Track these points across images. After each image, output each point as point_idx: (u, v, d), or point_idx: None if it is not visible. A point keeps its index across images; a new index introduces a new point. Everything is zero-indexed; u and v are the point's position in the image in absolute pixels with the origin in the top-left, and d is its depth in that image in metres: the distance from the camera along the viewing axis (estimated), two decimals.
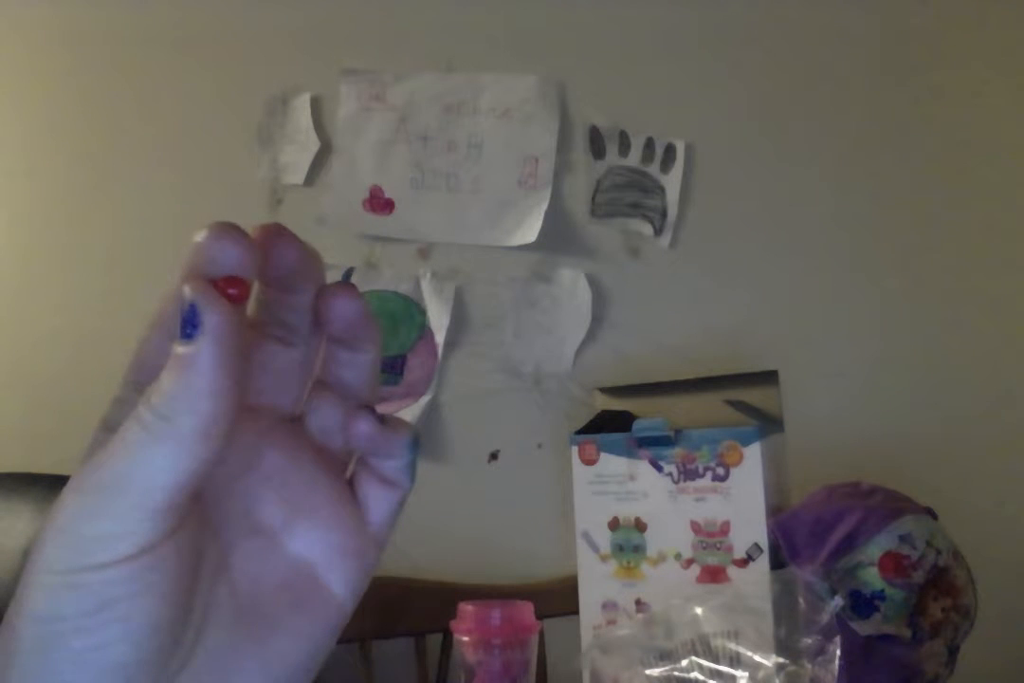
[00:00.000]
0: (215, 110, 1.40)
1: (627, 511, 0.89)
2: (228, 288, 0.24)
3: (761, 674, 0.74)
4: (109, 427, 0.25)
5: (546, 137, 1.34)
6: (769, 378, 0.93)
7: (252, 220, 0.25)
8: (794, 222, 1.33)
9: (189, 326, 0.23)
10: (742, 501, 0.83)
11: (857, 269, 1.32)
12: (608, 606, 0.89)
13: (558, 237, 1.33)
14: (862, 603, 0.78)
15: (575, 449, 0.92)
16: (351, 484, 0.30)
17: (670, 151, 1.34)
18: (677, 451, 0.86)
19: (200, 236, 0.24)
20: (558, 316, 1.33)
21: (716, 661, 0.77)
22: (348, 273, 1.35)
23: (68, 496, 0.24)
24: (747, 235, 1.33)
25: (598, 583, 0.89)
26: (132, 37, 1.42)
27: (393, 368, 1.32)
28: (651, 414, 0.91)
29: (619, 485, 0.89)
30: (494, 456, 1.32)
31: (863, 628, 0.77)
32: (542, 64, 1.36)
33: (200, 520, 0.26)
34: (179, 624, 0.25)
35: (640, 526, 0.88)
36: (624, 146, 1.35)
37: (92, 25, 1.44)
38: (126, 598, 0.23)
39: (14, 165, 1.45)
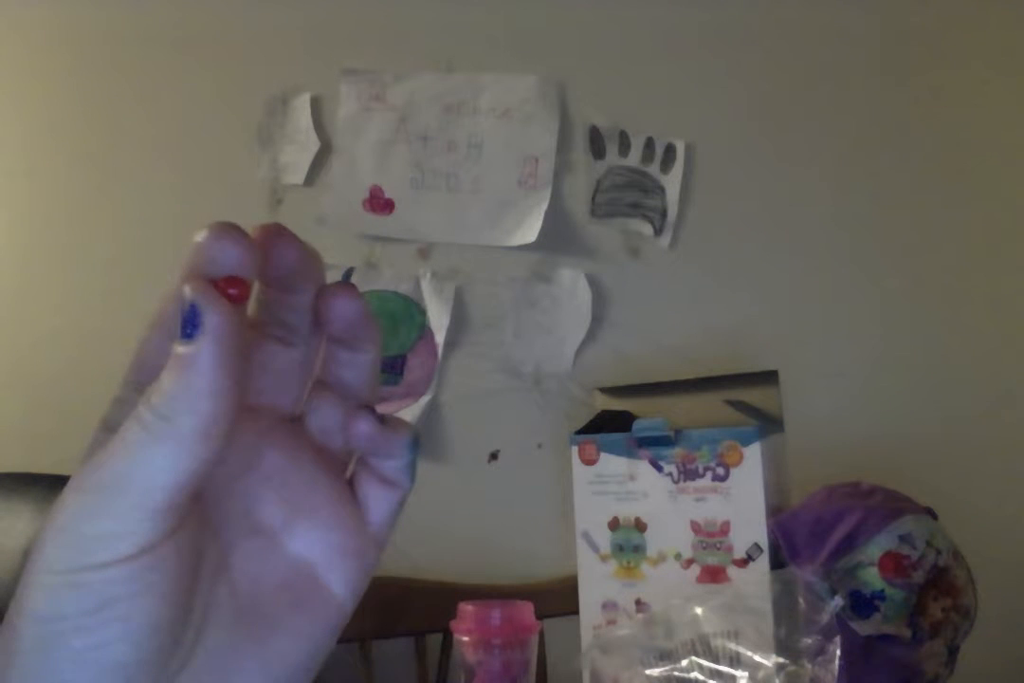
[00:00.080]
0: (215, 110, 1.40)
1: (627, 511, 0.89)
2: (228, 288, 0.24)
3: (761, 674, 0.75)
4: (109, 427, 0.25)
5: (546, 137, 1.34)
6: (769, 378, 0.93)
7: (252, 220, 0.25)
8: (794, 222, 1.33)
9: (189, 326, 0.23)
10: (742, 501, 0.83)
11: (857, 269, 1.32)
12: (608, 606, 0.89)
13: (558, 237, 1.33)
14: (862, 603, 0.78)
15: (575, 449, 0.92)
16: (351, 484, 0.30)
17: (670, 151, 1.34)
18: (677, 451, 0.86)
19: (200, 236, 0.24)
20: (558, 316, 1.33)
21: (716, 661, 0.77)
22: (348, 273, 1.35)
23: (69, 495, 0.24)
24: (747, 235, 1.33)
25: (598, 583, 0.89)
26: (132, 37, 1.42)
27: (393, 368, 1.32)
28: (651, 414, 0.91)
29: (619, 485, 0.89)
30: (494, 456, 1.32)
31: (863, 628, 0.77)
32: (542, 64, 1.36)
33: (200, 520, 0.26)
34: (179, 624, 0.25)
35: (640, 526, 0.88)
36: (624, 146, 1.35)
37: (92, 25, 1.44)
38: (126, 598, 0.23)
39: (14, 165, 1.45)
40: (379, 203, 1.35)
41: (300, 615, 0.28)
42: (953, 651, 0.82)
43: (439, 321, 1.33)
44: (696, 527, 0.85)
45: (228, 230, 0.24)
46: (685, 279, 1.33)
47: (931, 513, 0.85)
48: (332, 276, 1.16)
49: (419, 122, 1.36)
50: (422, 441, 0.31)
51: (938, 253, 1.31)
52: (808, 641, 0.74)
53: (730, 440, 0.84)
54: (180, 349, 0.23)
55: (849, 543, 0.80)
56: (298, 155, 1.37)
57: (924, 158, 1.33)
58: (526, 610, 0.85)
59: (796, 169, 1.34)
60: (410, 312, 1.34)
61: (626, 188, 1.34)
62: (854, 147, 1.34)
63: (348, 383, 0.29)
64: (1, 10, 1.46)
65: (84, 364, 1.34)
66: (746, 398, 0.92)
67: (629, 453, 0.89)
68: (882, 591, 0.78)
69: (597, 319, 1.32)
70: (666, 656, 0.79)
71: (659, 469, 0.87)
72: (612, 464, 0.90)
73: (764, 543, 0.82)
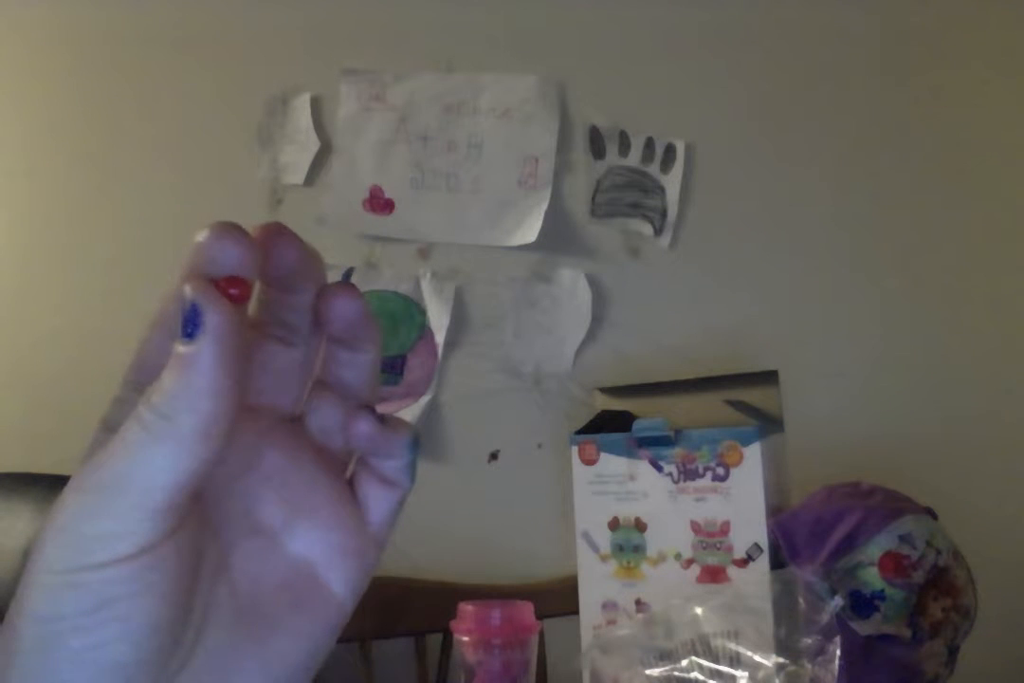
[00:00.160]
0: (215, 110, 1.40)
1: (627, 511, 0.89)
2: (229, 288, 0.24)
3: (761, 674, 0.74)
4: (109, 427, 0.25)
5: (546, 137, 1.34)
6: (769, 378, 0.93)
7: (252, 220, 0.25)
8: (794, 222, 1.33)
9: (190, 326, 0.23)
10: (742, 501, 0.83)
11: (857, 269, 1.32)
12: (608, 606, 0.89)
13: (558, 237, 1.33)
14: (862, 603, 0.78)
15: (575, 449, 0.92)
16: (351, 484, 0.30)
17: (670, 151, 1.34)
18: (677, 451, 0.86)
19: (201, 236, 0.24)
20: (558, 316, 1.33)
21: (716, 661, 0.77)
22: (348, 273, 1.35)
23: (69, 495, 0.24)
24: (747, 235, 1.33)
25: (598, 583, 0.89)
26: (132, 37, 1.42)
27: (393, 368, 1.32)
28: (651, 414, 0.91)
29: (619, 485, 0.89)
30: (494, 456, 1.32)
31: (863, 628, 0.77)
32: (542, 64, 1.36)
33: (200, 520, 0.26)
34: (179, 624, 0.25)
35: (640, 526, 0.88)
36: (624, 146, 1.35)
37: (92, 25, 1.44)
38: (126, 598, 0.23)
39: (14, 165, 1.45)
40: (379, 203, 1.35)
41: (300, 615, 0.28)
42: (953, 651, 0.82)
43: (439, 321, 1.33)
44: (696, 527, 0.85)
45: (229, 230, 0.24)
46: (685, 279, 1.33)
47: (931, 513, 0.85)
48: (332, 276, 1.16)
49: (419, 122, 1.36)
50: (422, 441, 0.31)
51: (938, 253, 1.31)
52: (808, 641, 0.74)
53: (730, 440, 0.84)
54: (181, 349, 0.23)
55: (849, 543, 0.80)
56: (298, 155, 1.37)
57: (924, 158, 1.33)
58: (526, 610, 0.85)
59: (796, 169, 1.34)
60: (410, 312, 1.34)
61: (626, 188, 1.34)
62: (854, 147, 1.34)
63: (348, 383, 0.29)
64: (1, 10, 1.46)
65: (84, 364, 1.34)
66: (746, 398, 0.92)
67: (629, 453, 0.89)
68: (882, 591, 0.78)
69: (597, 319, 1.32)
70: (666, 656, 0.79)
71: (659, 469, 0.87)
72: (612, 464, 0.90)
73: (764, 543, 0.82)
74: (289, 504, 0.28)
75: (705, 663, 0.77)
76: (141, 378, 0.25)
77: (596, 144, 1.35)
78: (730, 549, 0.83)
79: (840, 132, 1.34)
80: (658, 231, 1.33)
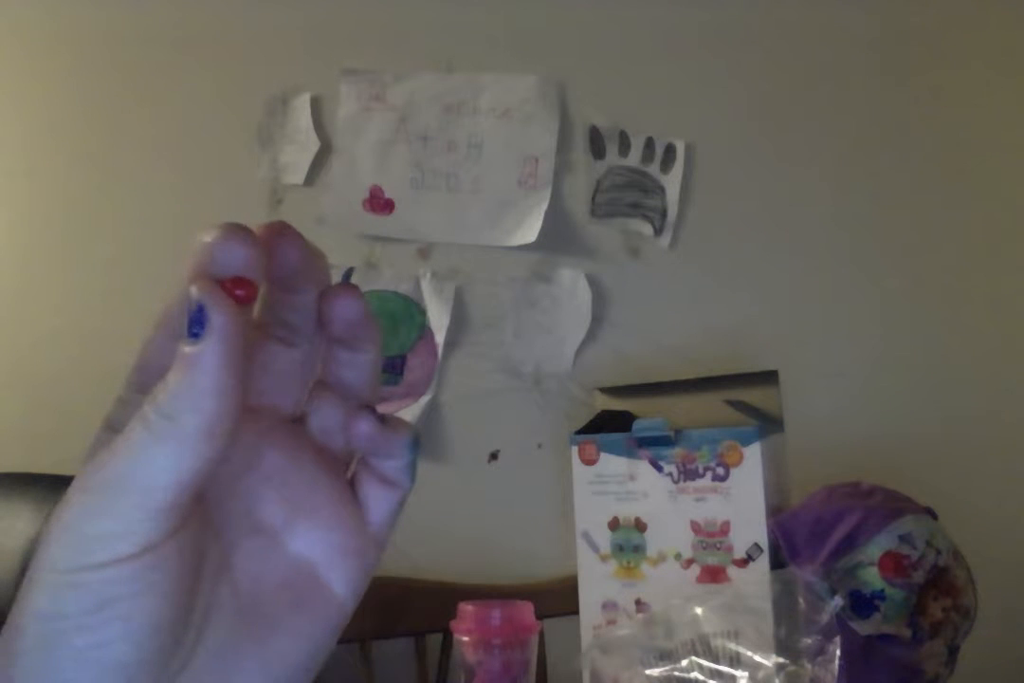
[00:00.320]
0: (215, 110, 1.40)
1: (627, 511, 0.89)
2: (235, 289, 0.24)
3: (761, 674, 0.75)
4: (112, 427, 0.25)
5: (546, 137, 1.34)
6: (769, 378, 0.93)
7: (252, 220, 0.25)
8: (794, 222, 1.33)
9: (196, 326, 0.23)
10: (742, 501, 0.83)
11: (857, 269, 1.32)
12: (608, 606, 0.89)
13: (558, 237, 1.33)
14: (862, 603, 0.78)
15: (575, 449, 0.92)
16: (352, 484, 0.30)
17: (670, 151, 1.34)
18: (677, 451, 0.86)
19: (208, 236, 0.24)
20: (558, 316, 1.33)
21: (716, 661, 0.77)
22: (348, 273, 1.35)
23: (73, 495, 0.24)
24: (747, 235, 1.33)
25: (598, 583, 0.89)
26: (132, 37, 1.42)
27: (393, 368, 1.32)
28: (651, 414, 0.91)
29: (619, 485, 0.89)
30: (494, 456, 1.32)
31: (863, 628, 0.77)
32: (542, 64, 1.36)
33: (202, 520, 0.26)
34: (180, 624, 0.25)
35: (640, 526, 0.88)
36: (624, 146, 1.35)
37: (92, 25, 1.43)
38: (128, 597, 0.23)
39: (14, 165, 1.45)
40: (379, 203, 1.35)
41: (301, 615, 0.28)
42: (953, 651, 0.82)
43: (439, 321, 1.33)
44: (696, 527, 0.85)
45: (236, 231, 0.24)
46: (685, 279, 1.33)
47: (931, 513, 0.85)
48: (332, 276, 1.16)
49: (419, 122, 1.36)
50: (422, 441, 0.31)
51: (938, 253, 1.31)
52: (808, 641, 0.74)
53: (730, 440, 0.84)
54: (186, 349, 0.23)
55: (849, 543, 0.80)
56: (298, 155, 1.37)
57: (924, 158, 1.33)
58: (526, 610, 0.85)
59: (796, 169, 1.34)
60: (410, 312, 1.34)
61: (626, 188, 1.34)
62: (854, 147, 1.34)
63: (349, 383, 0.29)
64: (1, 10, 1.46)
65: (84, 364, 1.34)
66: (746, 398, 0.92)
67: (629, 453, 0.89)
68: (882, 591, 0.78)
69: (597, 319, 1.32)
70: (666, 656, 0.79)
71: (659, 469, 0.87)
72: (612, 464, 0.90)
73: (764, 543, 0.82)
74: (290, 504, 0.28)
75: (705, 663, 0.77)
76: (144, 378, 0.25)
77: (596, 144, 1.35)
78: (730, 549, 0.83)
79: (840, 132, 1.34)
80: (658, 231, 1.33)
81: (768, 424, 0.87)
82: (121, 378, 0.27)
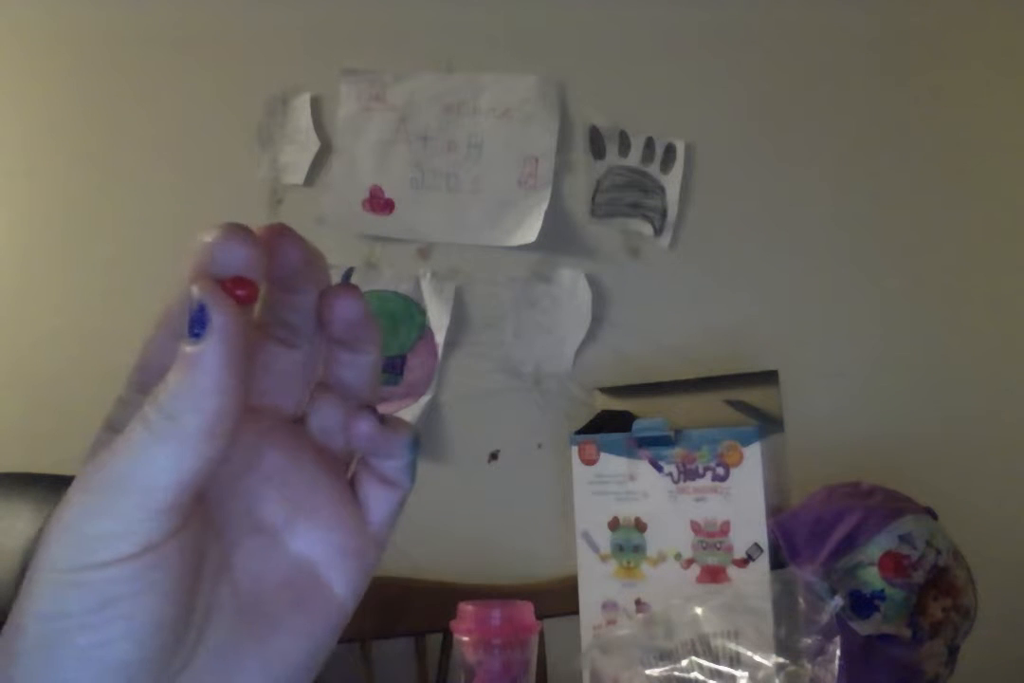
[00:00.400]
0: (215, 110, 1.40)
1: (627, 511, 0.89)
2: (236, 289, 0.24)
3: (761, 674, 0.75)
4: (113, 427, 0.25)
5: (546, 137, 1.34)
6: (769, 378, 0.93)
7: (252, 220, 0.26)
8: (794, 222, 1.33)
9: (197, 326, 0.23)
10: (742, 501, 0.83)
11: (857, 269, 1.32)
12: (608, 606, 0.89)
13: (558, 237, 1.33)
14: (862, 603, 0.78)
15: (575, 449, 0.92)
16: (352, 484, 0.30)
17: (670, 151, 1.34)
18: (677, 451, 0.86)
19: (209, 236, 0.24)
20: (558, 316, 1.33)
21: (716, 661, 0.77)
22: (348, 273, 1.35)
23: (74, 494, 0.24)
24: (747, 235, 1.33)
25: (598, 583, 0.89)
26: (132, 37, 1.42)
27: (393, 368, 1.32)
28: (651, 414, 0.91)
29: (619, 485, 0.89)
30: (494, 456, 1.32)
31: (863, 628, 0.77)
32: (542, 64, 1.36)
33: (203, 520, 0.26)
34: (182, 623, 0.25)
35: (640, 526, 0.88)
36: (624, 146, 1.35)
37: (92, 25, 1.43)
38: (129, 596, 0.23)
39: (14, 165, 1.45)
40: (379, 203, 1.35)
41: (301, 614, 0.28)
42: (953, 651, 0.82)
43: (439, 321, 1.33)
44: (696, 527, 0.85)
45: (236, 231, 0.24)
46: (685, 279, 1.33)
47: (931, 513, 0.85)
48: (332, 276, 1.16)
49: (419, 122, 1.36)
50: (422, 441, 0.31)
51: (938, 253, 1.32)
52: (808, 641, 0.74)
53: (730, 440, 0.84)
54: (187, 348, 0.23)
55: (849, 543, 0.80)
56: (298, 155, 1.37)
57: (924, 158, 1.33)
58: (526, 610, 0.85)
59: (796, 169, 1.34)
60: (410, 312, 1.34)
61: (626, 188, 1.34)
62: (854, 147, 1.34)
63: (349, 384, 0.29)
64: (1, 10, 1.46)
65: (84, 364, 1.34)
66: (746, 398, 0.92)
67: (629, 453, 0.89)
68: (882, 591, 0.78)
69: (597, 319, 1.32)
70: (666, 656, 0.79)
71: (659, 469, 0.87)
72: (612, 464, 0.90)
73: (764, 543, 0.82)
74: (290, 504, 0.28)
75: (705, 663, 0.77)
76: (145, 378, 0.25)
77: (596, 144, 1.35)
78: (730, 549, 0.83)
79: (840, 132, 1.34)
80: (658, 231, 1.33)
81: (768, 424, 0.87)
82: (121, 378, 0.27)
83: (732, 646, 0.77)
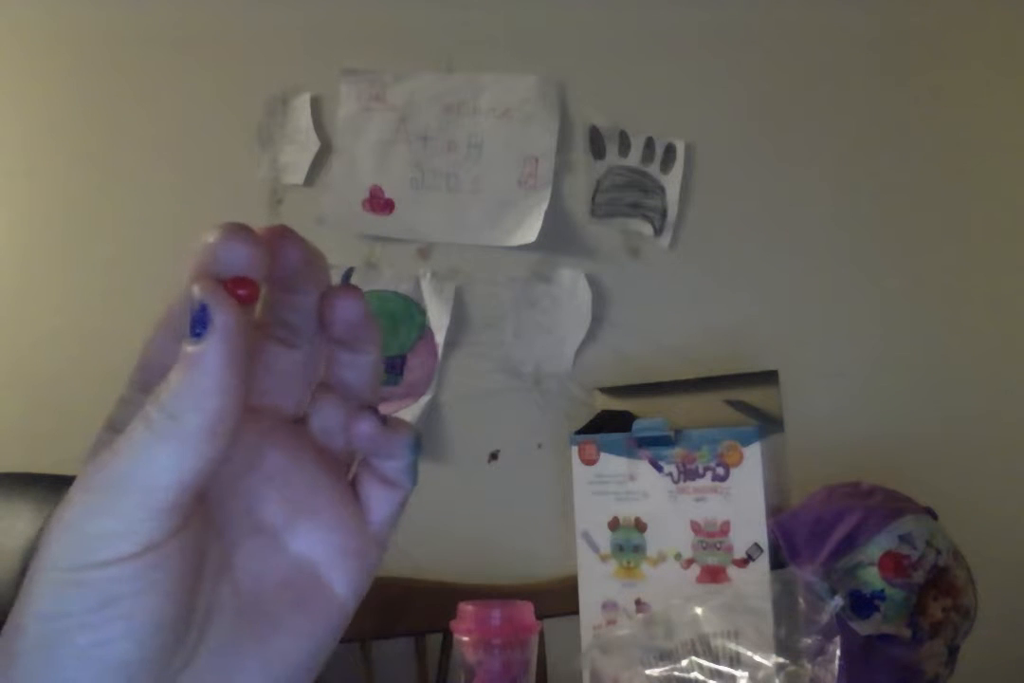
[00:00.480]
0: (215, 110, 1.40)
1: (627, 511, 0.89)
2: (238, 289, 0.24)
3: (761, 674, 0.75)
4: (114, 427, 0.25)
5: (546, 137, 1.34)
6: (769, 378, 0.93)
7: (252, 220, 0.26)
8: (794, 222, 1.33)
9: (199, 325, 0.23)
10: (742, 501, 0.83)
11: (857, 269, 1.32)
12: (608, 606, 0.89)
13: (558, 237, 1.33)
14: (862, 603, 0.78)
15: (575, 449, 0.92)
16: (353, 485, 0.30)
17: (670, 151, 1.34)
18: (677, 451, 0.86)
19: (210, 236, 0.24)
20: (558, 316, 1.33)
21: (716, 661, 0.77)
22: (348, 273, 1.35)
23: (75, 494, 0.24)
24: (747, 235, 1.33)
25: (598, 583, 0.89)
26: (132, 37, 1.42)
27: (393, 368, 1.32)
28: (651, 414, 0.91)
29: (619, 485, 0.89)
30: (494, 456, 1.32)
31: (863, 628, 0.77)
32: (542, 64, 1.36)
33: (204, 520, 0.26)
34: (182, 623, 0.25)
35: (640, 526, 0.88)
36: (624, 146, 1.35)
37: (92, 25, 1.43)
38: (130, 596, 0.23)
39: (14, 165, 1.45)
40: (379, 203, 1.35)
41: (302, 614, 0.28)
42: (953, 651, 0.82)
43: (439, 321, 1.33)
44: (696, 527, 0.85)
45: (238, 231, 0.24)
46: (685, 279, 1.33)
47: (931, 513, 0.85)
48: (332, 276, 1.16)
49: (419, 122, 1.36)
50: (423, 441, 0.31)
51: (938, 253, 1.32)
52: (808, 641, 0.74)
53: (730, 440, 0.84)
54: (188, 348, 0.23)
55: (849, 543, 0.80)
56: (298, 155, 1.37)
57: (924, 158, 1.33)
58: (526, 610, 0.85)
59: (796, 169, 1.34)
60: (410, 312, 1.34)
61: (626, 188, 1.34)
62: (854, 147, 1.34)
63: (350, 384, 0.29)
64: (1, 10, 1.46)
65: (84, 364, 1.34)
66: (746, 398, 0.92)
67: (629, 453, 0.89)
68: (882, 591, 0.78)
69: (597, 319, 1.32)
70: (666, 656, 0.79)
71: (659, 469, 0.87)
72: (612, 464, 0.90)
73: (764, 543, 0.82)
74: (291, 504, 0.28)
75: (705, 663, 0.77)
76: (146, 378, 0.25)
77: (596, 144, 1.35)
78: (730, 549, 0.83)
79: (840, 132, 1.34)
80: (658, 231, 1.33)
81: (768, 424, 0.87)
82: (122, 378, 0.27)
83: (732, 646, 0.77)
